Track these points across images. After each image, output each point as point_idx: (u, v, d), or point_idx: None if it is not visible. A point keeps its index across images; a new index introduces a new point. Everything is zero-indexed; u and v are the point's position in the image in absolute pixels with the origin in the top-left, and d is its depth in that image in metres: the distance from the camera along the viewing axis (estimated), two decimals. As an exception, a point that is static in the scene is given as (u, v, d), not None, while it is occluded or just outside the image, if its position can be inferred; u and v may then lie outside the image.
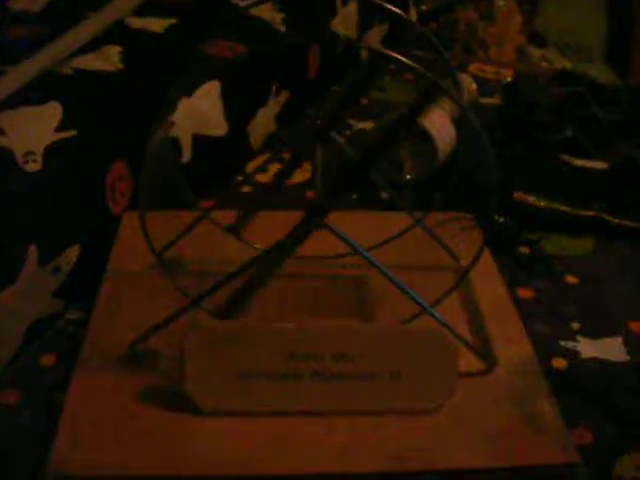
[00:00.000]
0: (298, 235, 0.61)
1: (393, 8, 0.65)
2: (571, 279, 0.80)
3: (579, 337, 0.72)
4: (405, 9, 1.46)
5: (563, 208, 0.87)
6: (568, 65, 1.74)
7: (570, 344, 0.71)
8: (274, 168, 0.94)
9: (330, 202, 0.60)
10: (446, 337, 0.60)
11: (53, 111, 0.76)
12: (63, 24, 0.88)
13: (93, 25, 0.90)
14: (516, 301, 0.74)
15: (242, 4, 1.06)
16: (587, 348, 0.71)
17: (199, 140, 0.90)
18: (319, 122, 0.63)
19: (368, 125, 1.04)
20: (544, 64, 1.74)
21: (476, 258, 0.62)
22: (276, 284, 0.69)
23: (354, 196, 0.91)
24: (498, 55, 1.75)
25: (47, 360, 0.67)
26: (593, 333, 0.73)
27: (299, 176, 0.92)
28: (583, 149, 1.00)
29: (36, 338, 0.70)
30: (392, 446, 0.58)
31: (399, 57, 0.56)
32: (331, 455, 0.57)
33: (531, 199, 0.87)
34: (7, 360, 0.68)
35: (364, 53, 1.29)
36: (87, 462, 0.56)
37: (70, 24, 0.88)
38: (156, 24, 0.97)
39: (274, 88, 1.03)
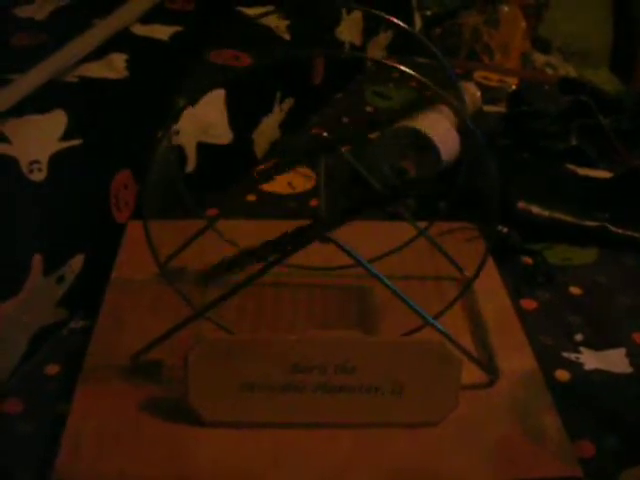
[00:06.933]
0: (298, 243, 0.61)
1: (394, 19, 0.65)
2: (575, 290, 0.80)
3: (582, 348, 0.72)
4: (410, 14, 1.46)
5: (567, 218, 0.87)
6: (572, 71, 1.73)
7: (573, 355, 0.71)
8: (279, 177, 0.94)
9: (337, 224, 0.60)
10: (449, 349, 0.60)
11: (58, 119, 0.76)
12: (68, 32, 0.88)
13: (98, 33, 0.90)
14: (519, 312, 0.74)
15: (246, 12, 1.07)
16: (590, 359, 0.71)
17: (204, 148, 0.91)
18: (325, 134, 0.63)
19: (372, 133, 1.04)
20: (548, 70, 1.74)
21: (479, 269, 0.62)
22: (278, 295, 0.69)
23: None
24: (503, 61, 1.75)
25: (51, 369, 0.67)
26: (596, 344, 0.72)
27: (303, 184, 0.92)
28: (587, 158, 0.99)
29: (40, 347, 0.70)
30: (395, 459, 0.58)
31: (403, 68, 0.56)
32: (333, 468, 0.57)
33: (535, 209, 0.87)
34: (11, 369, 0.68)
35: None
36: (90, 472, 0.56)
37: (75, 32, 0.89)
38: (161, 32, 0.97)
39: (278, 95, 1.03)
